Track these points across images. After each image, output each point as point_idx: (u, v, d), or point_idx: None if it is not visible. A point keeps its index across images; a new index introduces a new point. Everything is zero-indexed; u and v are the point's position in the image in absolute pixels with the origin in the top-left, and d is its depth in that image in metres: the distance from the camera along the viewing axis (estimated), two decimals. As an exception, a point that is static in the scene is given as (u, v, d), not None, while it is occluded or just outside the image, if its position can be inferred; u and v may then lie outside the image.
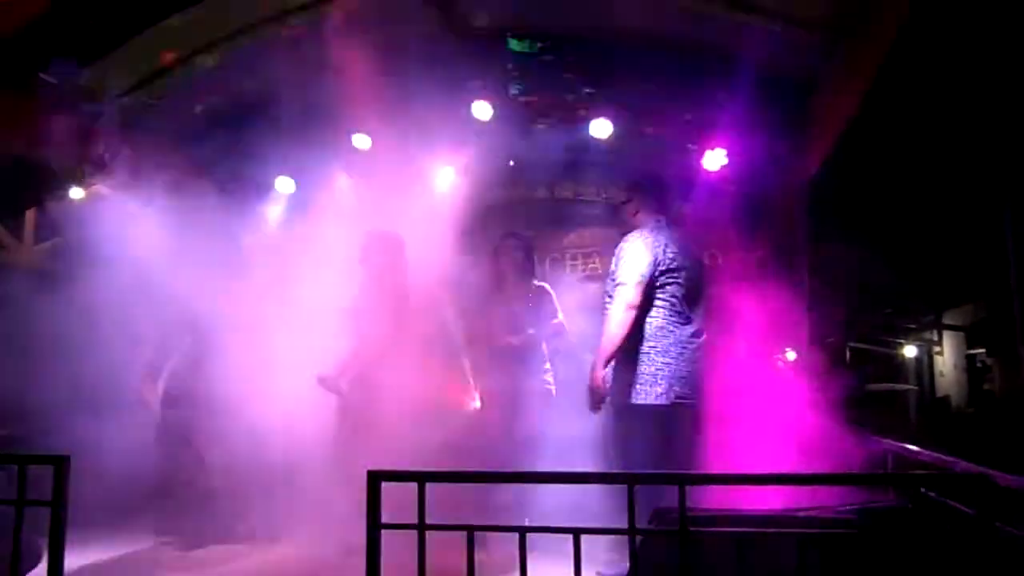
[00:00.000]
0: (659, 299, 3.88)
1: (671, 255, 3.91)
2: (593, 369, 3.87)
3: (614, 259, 4.00)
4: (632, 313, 3.80)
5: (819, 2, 4.59)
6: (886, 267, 9.29)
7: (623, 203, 4.24)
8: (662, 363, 3.82)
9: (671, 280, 3.89)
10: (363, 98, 5.48)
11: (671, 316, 3.88)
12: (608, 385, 3.85)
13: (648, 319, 3.86)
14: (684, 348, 3.87)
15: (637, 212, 4.11)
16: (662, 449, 3.77)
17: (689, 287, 3.95)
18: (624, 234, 4.08)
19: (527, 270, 4.90)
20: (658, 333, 3.85)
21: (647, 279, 3.82)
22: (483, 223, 5.77)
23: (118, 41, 4.98)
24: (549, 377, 4.86)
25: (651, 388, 3.80)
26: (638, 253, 3.87)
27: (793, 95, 5.62)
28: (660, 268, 3.86)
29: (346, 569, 3.10)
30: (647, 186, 4.22)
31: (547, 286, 4.93)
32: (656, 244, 3.90)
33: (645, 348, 3.84)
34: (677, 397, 3.82)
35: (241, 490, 4.72)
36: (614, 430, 3.92)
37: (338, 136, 6.19)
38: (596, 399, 3.87)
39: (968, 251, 6.91)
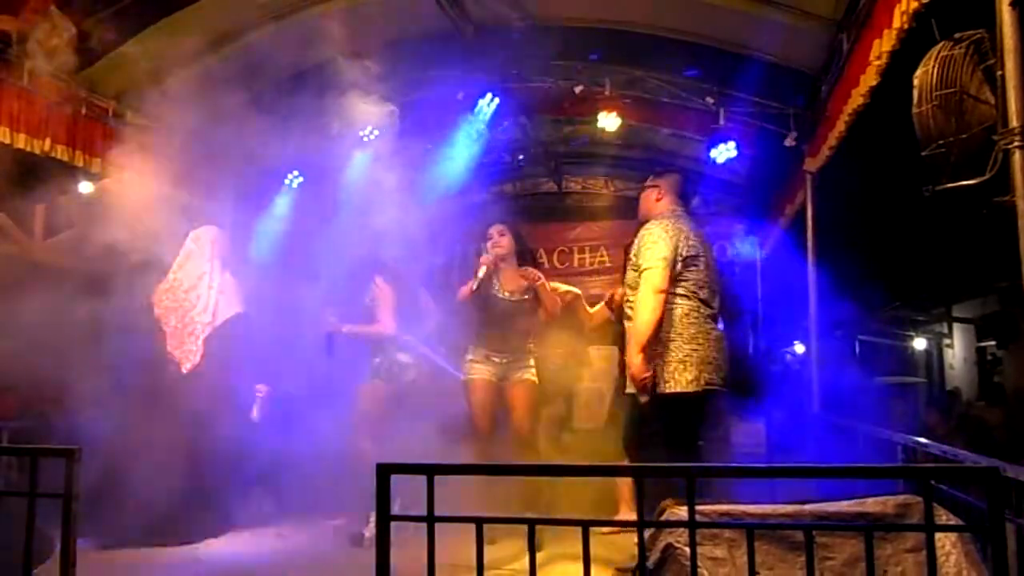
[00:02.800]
0: (682, 287, 3.84)
1: (692, 243, 3.89)
2: (631, 358, 3.79)
3: (634, 246, 3.96)
4: (661, 297, 3.76)
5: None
6: (896, 259, 9.29)
7: (648, 187, 4.17)
8: (690, 350, 3.76)
9: (692, 268, 3.86)
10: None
11: (695, 304, 3.84)
12: (650, 372, 3.77)
13: (673, 307, 3.81)
14: (709, 335, 3.83)
15: (660, 199, 4.08)
16: (690, 437, 3.76)
17: (709, 276, 3.95)
18: (640, 223, 4.05)
19: (516, 255, 4.78)
20: (684, 321, 3.80)
21: (671, 263, 3.79)
22: (489, 217, 5.73)
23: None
24: (532, 366, 4.80)
25: (680, 376, 3.72)
26: (660, 239, 3.84)
27: (802, 87, 5.60)
28: (682, 255, 3.83)
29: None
30: (674, 174, 4.25)
31: (536, 272, 4.82)
32: (678, 231, 3.87)
33: (672, 336, 3.78)
34: (707, 384, 3.78)
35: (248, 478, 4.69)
36: (641, 420, 3.81)
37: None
38: (643, 387, 3.77)
39: (979, 243, 6.88)
